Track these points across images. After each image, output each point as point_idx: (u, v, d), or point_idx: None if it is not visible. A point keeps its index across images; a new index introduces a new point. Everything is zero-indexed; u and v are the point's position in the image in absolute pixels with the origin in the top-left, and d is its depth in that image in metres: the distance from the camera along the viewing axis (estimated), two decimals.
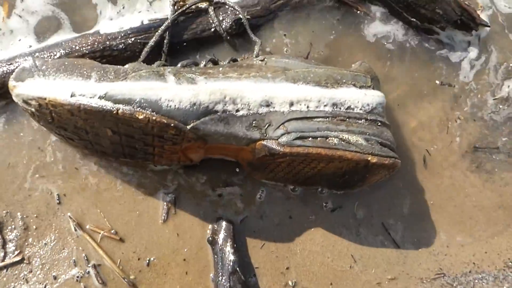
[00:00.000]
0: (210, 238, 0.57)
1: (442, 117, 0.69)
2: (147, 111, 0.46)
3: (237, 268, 0.55)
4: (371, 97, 0.55)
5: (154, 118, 0.46)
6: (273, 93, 0.51)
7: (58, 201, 0.56)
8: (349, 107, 0.54)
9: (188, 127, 0.47)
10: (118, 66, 0.48)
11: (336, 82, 0.55)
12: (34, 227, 0.55)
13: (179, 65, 0.55)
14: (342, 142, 0.51)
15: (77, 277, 0.54)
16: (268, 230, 0.59)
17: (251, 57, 0.59)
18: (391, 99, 0.67)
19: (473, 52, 0.73)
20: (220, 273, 0.54)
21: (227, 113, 0.49)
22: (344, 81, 0.55)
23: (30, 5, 0.63)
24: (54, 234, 0.55)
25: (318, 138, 0.51)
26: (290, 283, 0.57)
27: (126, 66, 0.49)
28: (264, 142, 0.50)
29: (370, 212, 0.62)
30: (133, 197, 0.58)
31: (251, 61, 0.57)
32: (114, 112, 0.45)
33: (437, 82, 0.70)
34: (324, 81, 0.54)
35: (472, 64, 0.72)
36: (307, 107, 0.52)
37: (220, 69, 0.53)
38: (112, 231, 0.56)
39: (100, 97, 0.45)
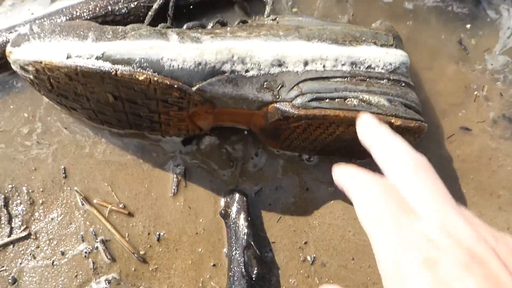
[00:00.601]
0: (222, 211, 0.53)
1: (470, 82, 0.63)
2: (148, 72, 0.42)
3: (252, 242, 0.51)
4: (393, 56, 0.50)
5: (155, 78, 0.42)
6: (285, 51, 0.47)
7: (64, 175, 0.53)
8: (369, 66, 0.49)
9: (194, 88, 0.43)
10: (117, 26, 0.44)
11: (354, 39, 0.50)
12: (40, 201, 0.53)
13: (184, 27, 0.51)
14: (363, 103, 0.47)
15: (85, 252, 0.51)
16: (285, 203, 0.55)
17: (262, 18, 0.55)
18: (414, 63, 0.62)
19: (508, 12, 0.66)
20: (234, 248, 0.51)
21: (236, 73, 0.45)
22: (363, 38, 0.50)
23: None
24: (61, 208, 0.53)
25: (336, 99, 0.46)
26: (308, 258, 0.53)
27: (127, 26, 0.45)
28: (277, 105, 0.46)
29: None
30: (141, 169, 0.55)
31: (262, 21, 0.52)
32: (113, 73, 0.41)
33: (463, 45, 0.64)
34: (341, 38, 0.49)
35: (506, 26, 0.66)
36: (323, 66, 0.48)
37: (228, 28, 0.49)
38: (120, 205, 0.53)
39: (98, 58, 0.41)
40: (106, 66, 0.41)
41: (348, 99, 0.47)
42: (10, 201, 0.52)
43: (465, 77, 0.63)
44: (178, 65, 0.43)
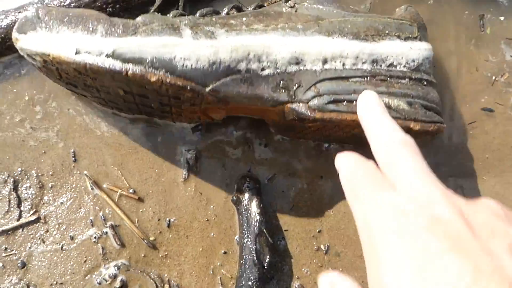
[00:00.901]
0: (234, 198, 0.51)
1: (493, 67, 0.59)
2: (160, 72, 0.40)
3: (264, 230, 0.49)
4: (417, 51, 0.47)
5: (168, 80, 0.40)
6: (304, 48, 0.43)
7: (73, 159, 0.52)
8: (391, 64, 0.46)
9: (207, 89, 0.41)
10: (128, 20, 0.42)
11: (377, 33, 0.46)
12: (50, 185, 0.52)
13: (197, 14, 0.48)
14: None
15: (95, 237, 0.50)
16: (298, 190, 0.54)
17: (279, 1, 0.52)
18: (435, 47, 0.59)
19: None
20: (246, 235, 0.49)
21: (251, 72, 0.42)
22: (387, 32, 0.47)
23: None
24: (70, 192, 0.52)
25: (354, 102, 0.44)
26: (322, 247, 0.52)
27: (138, 18, 0.43)
28: (293, 106, 0.44)
29: None
30: (152, 154, 0.53)
31: (279, 7, 0.49)
32: (124, 73, 0.39)
33: (484, 28, 0.61)
34: (363, 32, 0.46)
35: None
36: (343, 64, 0.45)
37: (244, 19, 0.45)
38: (130, 190, 0.51)
39: (108, 55, 0.39)
40: (117, 65, 0.39)
41: None
42: (20, 185, 0.52)
43: (489, 62, 0.60)
44: (192, 65, 0.40)
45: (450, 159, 0.56)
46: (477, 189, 0.56)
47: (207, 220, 0.52)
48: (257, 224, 0.49)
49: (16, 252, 0.49)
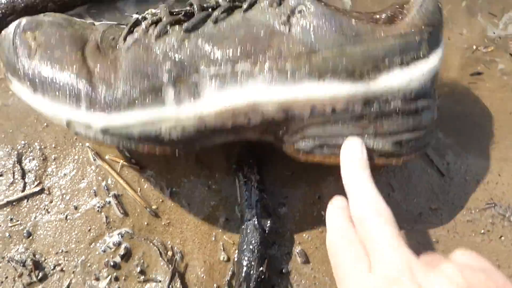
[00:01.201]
0: (234, 166, 0.52)
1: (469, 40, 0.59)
2: (149, 145, 0.42)
3: (265, 196, 0.50)
4: (418, 79, 0.41)
5: (157, 149, 0.42)
6: (292, 98, 0.40)
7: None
8: (385, 101, 0.41)
9: (196, 147, 0.44)
10: (108, 89, 0.41)
11: (376, 67, 0.40)
12: (53, 157, 0.52)
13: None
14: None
15: (98, 207, 0.50)
16: None
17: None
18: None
19: None
20: (247, 202, 0.49)
21: (238, 125, 0.42)
22: (387, 62, 0.40)
23: None
24: (73, 164, 0.52)
25: (339, 145, 0.43)
26: (323, 213, 0.52)
27: (117, 87, 0.41)
28: (280, 144, 0.45)
29: None
30: None
31: (270, 15, 0.41)
32: (115, 146, 0.44)
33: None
34: (359, 68, 0.40)
35: None
36: (332, 110, 0.41)
37: (231, 54, 0.40)
38: (131, 160, 0.52)
39: (97, 131, 0.41)
40: (108, 139, 0.41)
41: None
42: (23, 157, 0.52)
43: (490, 29, 0.60)
44: (178, 134, 0.41)
45: (449, 124, 0.56)
46: (482, 150, 0.56)
47: (208, 188, 0.52)
48: (258, 191, 0.50)
49: (21, 222, 0.50)
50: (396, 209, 0.51)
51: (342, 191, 0.53)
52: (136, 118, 0.40)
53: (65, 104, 0.40)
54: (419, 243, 0.52)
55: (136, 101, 0.40)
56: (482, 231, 0.53)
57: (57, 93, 0.40)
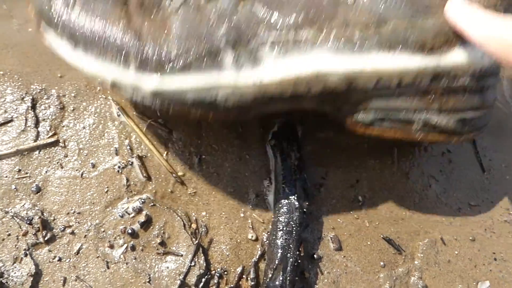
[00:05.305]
0: (273, 141, 0.43)
1: None
2: (203, 111, 0.34)
3: (305, 175, 0.42)
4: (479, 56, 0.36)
5: (211, 115, 0.34)
6: (358, 69, 0.34)
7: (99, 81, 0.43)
8: (454, 76, 0.35)
9: (250, 115, 0.36)
10: (159, 47, 0.33)
11: (447, 41, 0.34)
12: (72, 107, 0.43)
13: None
14: (427, 126, 0.36)
15: (119, 167, 0.42)
16: (338, 138, 0.46)
17: None
18: None
19: None
20: (285, 180, 0.41)
21: (298, 94, 0.34)
22: (459, 37, 0.34)
23: None
24: (94, 117, 0.43)
25: (400, 120, 0.36)
26: (360, 198, 0.44)
27: (171, 46, 0.33)
28: (339, 115, 0.38)
29: None
30: None
31: None
32: (164, 110, 0.34)
33: None
34: (431, 42, 0.34)
35: None
36: (399, 83, 0.35)
37: (293, 20, 0.33)
38: (160, 120, 0.43)
39: (145, 94, 0.33)
40: (157, 103, 0.33)
41: (412, 122, 0.36)
42: (38, 104, 0.43)
43: None
44: (234, 102, 0.33)
45: (501, 118, 0.49)
46: None
47: (240, 159, 0.44)
48: (297, 169, 0.41)
49: (30, 175, 0.41)
50: (435, 202, 0.44)
51: (382, 178, 0.45)
52: (191, 83, 0.32)
53: (111, 63, 0.32)
54: (455, 239, 0.45)
55: (192, 65, 0.32)
56: None
57: (102, 50, 0.32)
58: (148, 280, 0.38)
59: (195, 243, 0.40)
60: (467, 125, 0.37)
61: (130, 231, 0.40)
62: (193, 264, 0.39)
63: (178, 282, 0.38)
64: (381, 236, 0.43)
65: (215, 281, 0.39)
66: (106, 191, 0.41)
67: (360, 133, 0.38)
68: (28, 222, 0.39)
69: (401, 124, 0.37)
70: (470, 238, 0.45)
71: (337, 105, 0.36)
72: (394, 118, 0.36)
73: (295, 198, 0.40)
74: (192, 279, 0.38)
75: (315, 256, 0.41)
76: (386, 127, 0.37)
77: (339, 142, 0.46)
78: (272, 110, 0.36)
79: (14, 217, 0.39)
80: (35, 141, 0.41)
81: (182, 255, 0.40)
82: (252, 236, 0.41)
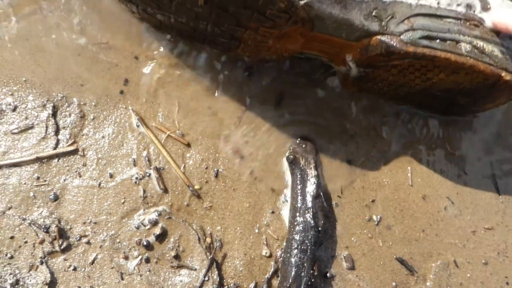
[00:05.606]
0: (291, 157, 0.43)
1: None
2: None
3: (321, 193, 0.41)
4: (509, 3, 0.40)
5: None
6: None
7: (121, 91, 0.43)
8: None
9: (302, 2, 0.33)
10: None
11: None
12: (92, 116, 0.43)
13: None
14: (475, 50, 0.37)
15: (136, 178, 0.41)
16: (356, 155, 0.46)
17: None
18: None
19: None
20: (300, 197, 0.41)
21: None
22: None
23: None
24: (114, 127, 0.43)
25: (448, 41, 0.36)
26: (374, 218, 0.44)
27: None
28: (383, 38, 0.36)
29: (479, 149, 0.48)
30: (208, 97, 0.45)
31: None
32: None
33: None
34: None
35: None
36: (438, 2, 0.38)
37: None
38: (178, 133, 0.43)
39: None
40: None
41: (460, 43, 0.37)
42: (59, 111, 0.43)
43: None
44: None
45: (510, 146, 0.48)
46: None
47: (256, 177, 0.44)
48: (315, 187, 0.41)
49: (49, 183, 0.41)
50: (449, 224, 0.44)
51: (397, 198, 0.45)
52: None
53: None
54: (468, 262, 0.44)
55: None
56: None
57: None
58: None
59: (209, 257, 0.40)
60: (510, 62, 0.38)
61: (145, 243, 0.40)
62: (206, 278, 0.39)
63: None
64: (394, 256, 0.43)
65: None
66: (123, 202, 0.41)
67: (409, 57, 0.36)
68: (45, 230, 0.39)
69: (450, 45, 0.36)
70: (483, 261, 0.45)
71: (384, 22, 0.36)
72: (442, 38, 0.36)
73: (311, 216, 0.39)
74: None
75: (328, 274, 0.41)
76: (435, 47, 0.36)
77: (356, 158, 0.46)
78: None
79: (31, 225, 0.39)
80: (54, 148, 0.41)
81: (196, 269, 0.39)
82: (266, 253, 0.41)
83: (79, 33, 0.44)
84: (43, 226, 0.39)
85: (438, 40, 0.36)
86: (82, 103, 0.43)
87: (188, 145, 0.43)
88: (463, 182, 0.47)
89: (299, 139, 0.44)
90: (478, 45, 0.37)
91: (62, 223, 0.40)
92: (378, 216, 0.44)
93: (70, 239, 0.39)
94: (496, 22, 0.36)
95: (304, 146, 0.43)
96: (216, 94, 0.44)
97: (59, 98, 0.43)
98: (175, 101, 0.44)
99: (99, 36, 0.44)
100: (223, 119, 0.44)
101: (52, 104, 0.42)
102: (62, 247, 0.39)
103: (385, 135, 0.47)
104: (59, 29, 0.44)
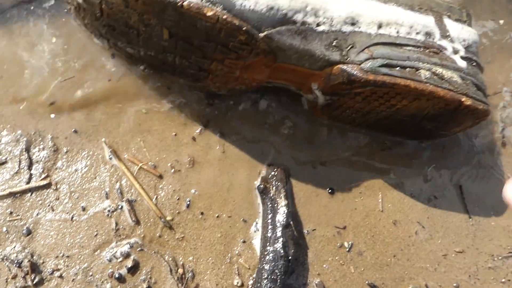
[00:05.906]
0: (261, 186, 0.44)
1: None
2: (218, 8, 0.33)
3: (291, 222, 0.42)
4: (467, 32, 0.42)
5: (224, 17, 0.33)
6: (360, 10, 0.38)
7: (93, 124, 0.44)
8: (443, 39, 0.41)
9: (261, 34, 0.34)
10: None
11: (430, 9, 0.42)
12: (65, 150, 0.43)
13: None
14: (435, 76, 0.38)
15: (108, 211, 0.42)
16: (326, 181, 0.46)
17: None
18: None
19: None
20: (270, 226, 0.42)
21: (306, 26, 0.36)
22: (438, 10, 0.42)
23: None
24: (86, 160, 0.43)
25: (408, 69, 0.37)
26: (346, 244, 0.45)
27: None
28: (344, 67, 0.37)
29: (446, 174, 0.49)
30: (175, 130, 0.45)
31: None
32: (179, 3, 0.32)
33: None
34: (417, 6, 0.41)
35: None
36: (397, 32, 0.39)
37: None
38: (151, 164, 0.43)
39: None
40: None
41: (420, 70, 0.38)
42: (32, 146, 0.43)
43: None
44: (250, 6, 0.33)
45: (485, 164, 0.49)
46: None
47: (228, 206, 0.44)
48: (285, 216, 0.42)
49: (22, 217, 0.41)
50: (420, 248, 0.44)
51: (368, 224, 0.45)
52: None
53: None
54: (440, 286, 0.45)
55: None
56: (503, 279, 0.46)
57: None
58: None
59: None
60: (470, 87, 0.39)
61: (117, 276, 0.40)
62: None
63: None
64: (366, 282, 0.43)
65: None
66: (96, 235, 0.41)
67: (371, 83, 0.37)
68: (17, 265, 0.39)
69: (410, 73, 0.37)
70: (454, 284, 0.45)
71: (344, 51, 0.37)
72: (401, 65, 0.37)
73: (281, 246, 0.40)
74: None
75: None
76: (395, 75, 0.37)
77: (328, 185, 0.46)
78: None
79: (4, 260, 0.39)
80: (27, 183, 0.42)
81: None
82: (237, 282, 0.41)
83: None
84: (15, 261, 0.39)
85: (398, 68, 0.37)
86: (55, 136, 0.44)
87: (160, 176, 0.44)
88: (434, 205, 0.48)
89: (269, 165, 0.45)
90: (437, 72, 0.38)
91: (34, 257, 0.40)
92: (350, 243, 0.45)
93: (42, 273, 0.40)
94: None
95: (274, 172, 0.44)
96: (183, 130, 0.45)
97: (33, 132, 0.43)
98: (148, 132, 0.44)
99: (68, 72, 0.45)
100: (195, 153, 0.45)
101: (25, 139, 0.43)
102: (34, 282, 0.39)
103: (355, 162, 0.47)
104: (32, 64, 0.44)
